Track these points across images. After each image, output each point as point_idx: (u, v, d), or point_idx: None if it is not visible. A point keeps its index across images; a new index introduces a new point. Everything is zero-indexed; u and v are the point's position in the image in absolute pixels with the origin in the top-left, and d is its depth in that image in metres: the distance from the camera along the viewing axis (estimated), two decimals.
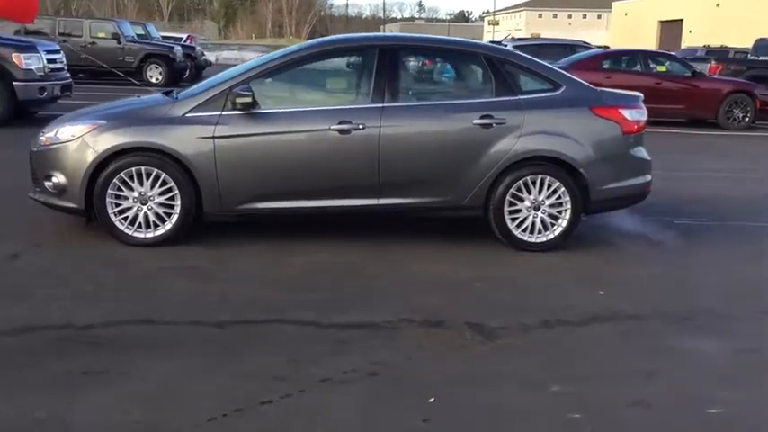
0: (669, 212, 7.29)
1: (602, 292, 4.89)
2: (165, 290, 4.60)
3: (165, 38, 27.08)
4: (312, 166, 5.47)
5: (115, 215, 5.41)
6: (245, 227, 5.86)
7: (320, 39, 6.51)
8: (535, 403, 3.32)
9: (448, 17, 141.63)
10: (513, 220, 5.69)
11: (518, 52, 6.17)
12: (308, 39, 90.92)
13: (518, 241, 5.71)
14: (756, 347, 4.09)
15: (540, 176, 5.65)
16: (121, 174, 5.36)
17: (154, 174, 5.37)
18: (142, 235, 5.44)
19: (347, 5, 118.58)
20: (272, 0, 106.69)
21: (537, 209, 5.69)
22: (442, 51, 6.24)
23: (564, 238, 5.76)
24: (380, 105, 5.50)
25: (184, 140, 5.35)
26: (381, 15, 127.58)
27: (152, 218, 5.43)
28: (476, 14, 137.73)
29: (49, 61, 12.20)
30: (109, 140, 5.34)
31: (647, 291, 5.00)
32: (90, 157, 5.33)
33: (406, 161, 5.53)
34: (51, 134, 5.55)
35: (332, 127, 5.43)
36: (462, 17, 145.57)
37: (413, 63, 5.96)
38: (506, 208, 5.66)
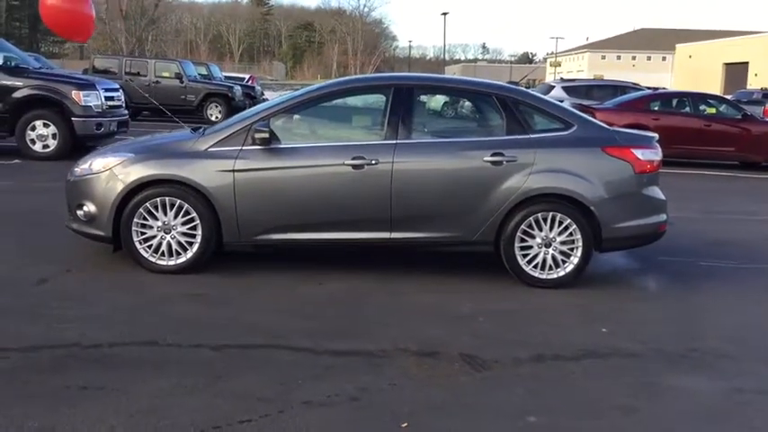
0: (696, 253, 7.25)
1: (604, 330, 4.91)
2: (176, 314, 4.82)
3: (228, 78, 27.99)
4: (326, 200, 5.67)
5: (140, 243, 5.69)
6: (263, 256, 6.07)
7: (340, 78, 6.74)
8: None
9: (511, 58, 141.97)
10: (525, 256, 5.77)
11: (532, 92, 6.29)
12: None
13: (529, 277, 5.78)
14: (750, 388, 4.06)
15: (551, 213, 5.73)
16: (147, 204, 5.64)
17: (177, 204, 5.65)
18: (165, 262, 5.70)
19: (410, 47, 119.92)
20: (338, 42, 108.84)
21: (548, 246, 5.76)
22: (455, 91, 6.41)
23: (575, 276, 5.80)
24: (394, 142, 5.69)
25: (206, 173, 5.62)
26: (444, 58, 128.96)
27: (175, 246, 5.69)
28: (540, 56, 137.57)
29: (107, 98, 12.81)
30: (136, 172, 5.64)
31: (652, 329, 4.99)
32: (118, 187, 5.64)
33: (417, 196, 5.68)
34: (85, 165, 5.89)
35: (346, 162, 5.63)
36: (526, 58, 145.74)
37: (426, 102, 6.13)
38: (517, 244, 5.75)
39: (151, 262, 5.70)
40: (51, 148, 11.99)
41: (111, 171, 5.70)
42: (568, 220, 5.74)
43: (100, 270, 5.74)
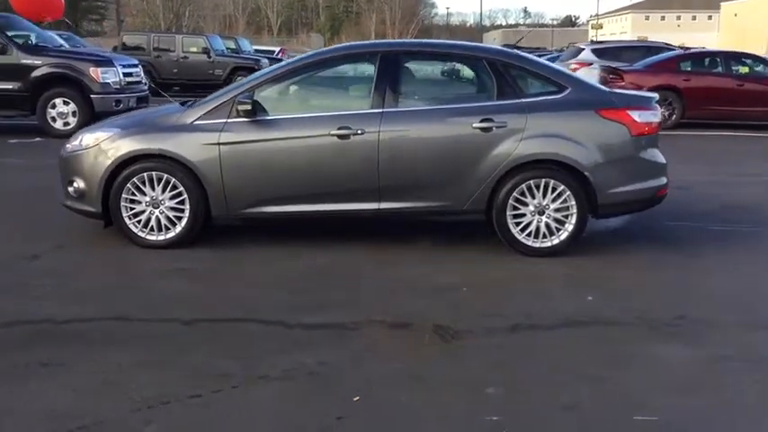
0: (708, 218, 7.02)
1: (590, 298, 4.77)
2: (156, 289, 4.82)
3: (257, 51, 27.98)
4: (313, 172, 5.59)
5: (129, 218, 5.68)
6: (257, 230, 6.04)
7: (326, 47, 6.63)
8: (460, 405, 3.30)
9: (553, 22, 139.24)
10: (518, 224, 5.62)
11: (525, 55, 6.09)
12: None
13: (522, 246, 5.64)
14: (730, 356, 3.90)
15: (543, 180, 5.57)
16: (134, 179, 5.63)
17: (164, 179, 5.62)
18: (154, 237, 5.70)
19: (448, 14, 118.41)
20: (375, 12, 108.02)
21: (541, 213, 5.61)
22: (444, 56, 6.24)
23: (570, 243, 5.65)
24: (380, 110, 5.57)
25: (191, 147, 5.58)
26: (485, 23, 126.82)
27: (163, 221, 5.68)
28: (583, 18, 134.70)
29: (126, 75, 12.88)
30: (122, 147, 5.63)
31: (642, 297, 4.83)
32: (106, 163, 5.63)
33: (405, 166, 5.57)
34: (76, 142, 5.89)
35: (331, 132, 5.53)
36: (569, 22, 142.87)
37: (414, 68, 5.98)
38: (509, 212, 5.61)
39: (141, 237, 5.70)
40: (72, 126, 12.07)
41: (98, 146, 5.69)
42: (562, 187, 5.57)
43: (92, 246, 5.77)
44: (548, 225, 5.62)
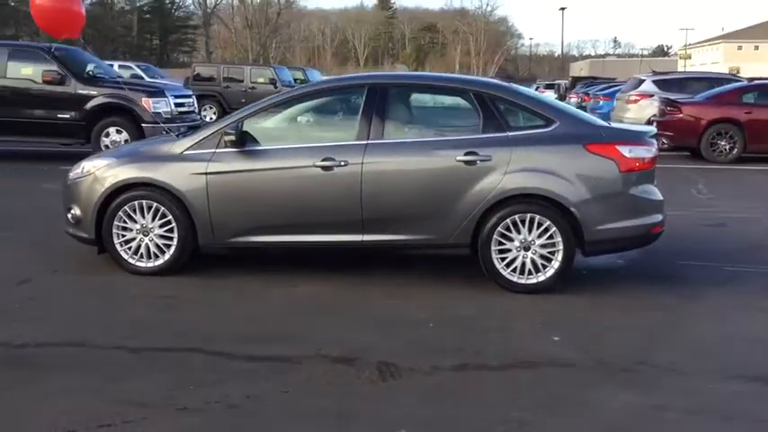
0: (728, 257, 6.67)
1: (557, 338, 4.60)
2: (125, 316, 4.90)
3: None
4: (297, 202, 5.61)
5: (121, 245, 5.81)
6: (249, 258, 6.08)
7: (316, 80, 6.66)
8: None
9: (643, 52, 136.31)
10: (503, 259, 5.48)
11: (514, 87, 5.95)
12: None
13: (507, 282, 5.49)
14: (675, 407, 3.67)
15: (529, 215, 5.43)
16: (126, 207, 5.76)
17: (154, 207, 5.74)
18: (143, 264, 5.81)
19: (530, 45, 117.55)
20: (460, 43, 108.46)
21: (527, 249, 5.45)
22: (431, 89, 6.17)
23: (556, 281, 5.47)
24: (365, 142, 5.55)
25: (180, 176, 5.69)
26: (574, 54, 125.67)
27: (153, 249, 5.79)
28: (675, 48, 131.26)
29: (178, 105, 13.30)
30: (115, 176, 5.78)
31: (612, 340, 4.62)
32: (99, 190, 5.79)
33: (388, 198, 5.52)
34: (78, 170, 6.09)
35: (315, 163, 5.54)
36: (661, 51, 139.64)
37: (401, 100, 5.93)
38: (494, 247, 5.47)
39: (131, 264, 5.82)
40: None
41: (93, 174, 5.87)
42: (548, 222, 5.41)
43: (84, 272, 5.91)
44: (533, 261, 5.46)
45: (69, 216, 6.01)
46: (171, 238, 5.76)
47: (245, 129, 5.69)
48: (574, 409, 3.61)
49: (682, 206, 9.39)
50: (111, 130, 12.63)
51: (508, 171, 5.41)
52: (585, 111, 26.45)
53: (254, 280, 5.74)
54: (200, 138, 5.79)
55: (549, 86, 38.25)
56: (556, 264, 5.44)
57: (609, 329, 4.83)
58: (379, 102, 5.65)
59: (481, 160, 5.43)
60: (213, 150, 5.70)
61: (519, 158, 5.43)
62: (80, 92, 12.61)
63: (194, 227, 5.72)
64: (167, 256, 5.79)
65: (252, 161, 5.65)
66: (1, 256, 6.39)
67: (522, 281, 5.49)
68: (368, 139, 5.57)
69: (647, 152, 5.52)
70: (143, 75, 26.24)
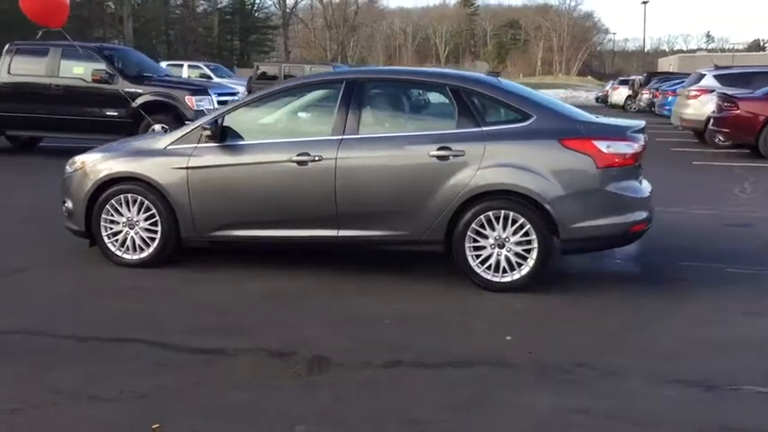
0: (737, 259, 6.37)
1: (509, 338, 4.47)
2: (94, 307, 5.00)
3: None
4: (273, 197, 5.63)
5: (108, 237, 5.96)
6: (238, 252, 6.12)
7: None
8: None
9: (737, 46, 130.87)
10: (477, 257, 5.36)
11: (493, 81, 5.78)
12: (578, 76, 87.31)
13: (481, 280, 5.37)
14: (598, 410, 3.51)
15: (503, 212, 5.29)
16: (112, 200, 5.90)
17: (138, 200, 5.86)
18: (129, 257, 5.93)
19: (614, 40, 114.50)
20: (543, 39, 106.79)
21: (501, 246, 5.32)
22: (408, 83, 6.04)
23: (531, 279, 5.32)
24: (339, 137, 5.53)
25: (162, 170, 5.79)
26: (664, 49, 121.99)
27: (138, 241, 5.91)
28: None
29: (220, 103, 13.52)
30: (102, 170, 5.93)
31: (564, 340, 4.47)
32: (88, 184, 5.95)
33: (362, 193, 5.48)
34: (71, 164, 6.27)
35: (291, 158, 5.55)
36: (756, 46, 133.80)
37: (377, 95, 5.86)
38: (468, 244, 5.36)
39: (117, 256, 5.95)
40: None
41: (84, 169, 6.03)
42: (522, 219, 5.27)
43: (79, 264, 6.04)
44: (508, 259, 5.32)
45: (64, 209, 6.20)
46: (155, 232, 5.87)
47: (226, 124, 5.75)
48: (486, 410, 3.50)
49: (715, 205, 9.04)
50: (157, 127, 12.93)
51: (481, 167, 5.29)
52: (654, 107, 25.72)
53: (236, 274, 5.78)
54: (184, 133, 5.88)
55: (623, 82, 37.17)
56: (531, 262, 5.29)
57: (568, 330, 4.67)
58: (356, 97, 5.61)
59: (454, 155, 5.32)
60: (195, 145, 5.77)
61: (493, 154, 5.30)
62: (127, 90, 12.98)
63: (177, 221, 5.81)
64: (151, 249, 5.90)
65: (230, 156, 5.70)
66: (11, 246, 6.62)
67: (497, 279, 5.36)
68: (343, 134, 5.54)
69: (628, 148, 5.30)
70: (211, 75, 26.86)
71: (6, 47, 13.72)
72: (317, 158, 5.50)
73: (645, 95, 29.05)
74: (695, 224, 7.95)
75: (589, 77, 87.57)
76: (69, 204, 6.11)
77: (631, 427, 3.35)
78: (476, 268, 5.37)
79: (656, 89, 26.53)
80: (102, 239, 5.96)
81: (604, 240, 5.37)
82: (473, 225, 5.34)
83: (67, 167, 6.26)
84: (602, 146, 5.21)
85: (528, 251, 5.29)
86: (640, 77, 33.23)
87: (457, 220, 5.36)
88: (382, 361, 4.08)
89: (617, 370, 4.00)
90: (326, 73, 6.62)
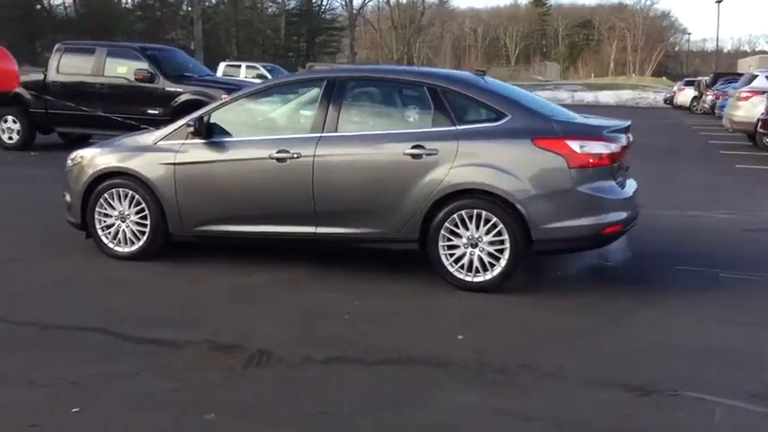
0: (735, 264, 6.16)
1: (461, 337, 4.44)
2: (69, 296, 5.15)
3: None
4: (254, 193, 5.72)
5: (102, 230, 6.14)
6: (230, 247, 6.22)
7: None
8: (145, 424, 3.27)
9: None
10: (451, 255, 5.33)
11: (473, 80, 5.71)
12: (652, 76, 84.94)
13: (454, 279, 5.33)
14: (517, 412, 3.45)
15: (476, 211, 5.24)
16: (105, 194, 6.08)
17: (129, 195, 6.02)
18: (121, 249, 6.10)
19: (689, 41, 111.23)
20: (616, 39, 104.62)
21: (474, 246, 5.27)
22: (387, 81, 5.99)
23: (503, 280, 5.25)
24: (318, 135, 5.57)
25: (150, 166, 5.93)
26: (745, 49, 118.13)
27: (129, 235, 6.07)
28: None
29: None
30: (97, 165, 6.12)
31: (517, 342, 4.42)
32: (83, 178, 6.15)
33: (338, 190, 5.52)
34: (74, 159, 6.48)
35: (271, 155, 5.62)
36: None
37: (357, 94, 5.86)
38: (441, 243, 5.33)
39: (109, 248, 6.11)
40: None
41: (80, 163, 6.23)
42: (494, 219, 5.21)
43: (73, 255, 6.23)
44: (481, 259, 5.27)
45: (64, 202, 6.42)
46: (145, 225, 6.02)
47: (213, 121, 5.86)
48: (404, 407, 3.48)
49: (740, 209, 8.76)
50: None
51: (454, 165, 5.26)
52: (714, 108, 24.92)
53: (217, 269, 5.86)
54: (172, 129, 6.01)
55: (689, 83, 36.17)
56: (503, 262, 5.23)
57: (526, 331, 4.61)
58: (335, 95, 5.64)
59: (427, 154, 5.30)
60: (182, 142, 5.90)
61: (465, 153, 5.26)
62: (168, 89, 13.31)
63: (165, 215, 5.94)
64: (141, 243, 6.05)
65: (214, 152, 5.81)
66: (15, 236, 6.88)
67: (469, 278, 5.31)
68: (322, 131, 5.58)
69: (603, 148, 5.18)
70: (267, 74, 27.26)
71: (56, 46, 14.27)
72: (295, 156, 5.55)
73: (709, 97, 28.22)
74: (710, 228, 7.71)
75: (663, 78, 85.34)
76: (68, 197, 6.32)
77: (547, 428, 3.29)
78: (449, 267, 5.34)
79: (719, 90, 25.73)
80: (96, 232, 6.14)
81: (576, 242, 5.26)
82: (446, 224, 5.31)
83: (68, 161, 6.48)
84: (575, 146, 5.11)
85: (501, 251, 5.23)
86: (706, 79, 32.28)
87: (431, 218, 5.34)
88: (323, 357, 4.10)
89: (558, 372, 3.93)
90: (311, 71, 6.68)
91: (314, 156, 5.52)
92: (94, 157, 6.18)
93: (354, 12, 63.90)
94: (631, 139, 5.83)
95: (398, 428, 3.31)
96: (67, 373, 3.82)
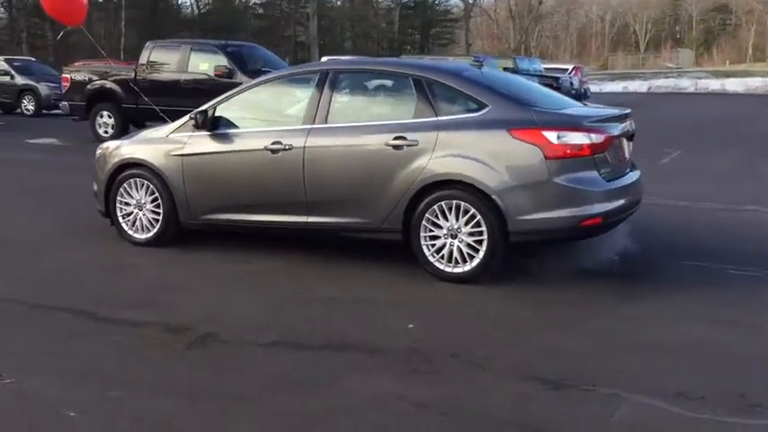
0: (747, 260, 5.85)
1: (411, 326, 4.48)
2: (70, 278, 5.51)
3: (548, 69, 27.80)
4: (251, 183, 5.93)
5: (123, 218, 6.52)
6: (241, 235, 6.45)
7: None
8: (79, 396, 3.50)
9: None
10: (432, 246, 5.34)
11: (458, 71, 5.65)
12: None
13: (435, 270, 5.35)
14: (418, 397, 3.46)
15: (455, 202, 5.23)
16: (125, 184, 6.45)
17: (145, 184, 6.37)
18: (138, 236, 6.45)
19: None
20: (755, 24, 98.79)
21: (454, 237, 5.26)
22: (374, 73, 6.03)
23: (483, 271, 5.22)
24: (309, 127, 5.71)
25: (162, 157, 6.25)
26: None
27: (145, 222, 6.42)
28: None
29: None
30: (117, 156, 6.50)
31: (466, 332, 4.43)
32: (105, 168, 6.55)
33: (327, 181, 5.64)
34: (101, 150, 6.88)
35: (266, 147, 5.81)
36: None
37: (348, 86, 5.91)
38: (423, 234, 5.36)
39: (129, 234, 6.48)
40: None
41: (104, 155, 6.64)
42: (473, 210, 5.17)
43: (100, 241, 6.62)
44: (460, 250, 5.25)
45: (93, 191, 6.85)
46: (159, 213, 6.35)
47: (219, 114, 6.11)
48: (311, 391, 3.57)
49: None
50: None
51: (434, 156, 5.26)
52: None
53: (221, 255, 6.10)
54: (183, 122, 6.30)
55: None
56: (481, 253, 5.19)
57: (481, 322, 4.61)
58: (327, 88, 5.77)
59: (408, 145, 5.33)
60: (190, 134, 6.18)
61: (444, 143, 5.25)
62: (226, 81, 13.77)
63: (175, 204, 6.25)
64: (155, 230, 6.38)
65: (217, 144, 6.05)
66: (45, 220, 7.37)
67: (449, 269, 5.31)
68: (313, 123, 5.72)
69: (584, 138, 5.03)
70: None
71: (146, 44, 15.07)
72: (287, 147, 5.71)
73: None
74: (734, 222, 7.35)
75: None
76: (95, 187, 6.75)
77: (433, 416, 3.31)
78: (430, 258, 5.35)
79: None
80: (118, 219, 6.53)
81: (553, 234, 5.14)
82: (427, 215, 5.32)
83: (97, 152, 6.90)
84: (552, 136, 5.00)
85: (480, 242, 5.19)
86: None
87: (412, 209, 5.37)
88: (266, 341, 4.23)
89: (486, 363, 3.91)
90: (308, 64, 6.80)
91: (304, 147, 5.66)
92: (116, 149, 6.56)
93: (470, 1, 63.41)
94: (633, 128, 5.62)
95: (298, 411, 3.40)
96: (22, 348, 4.13)
